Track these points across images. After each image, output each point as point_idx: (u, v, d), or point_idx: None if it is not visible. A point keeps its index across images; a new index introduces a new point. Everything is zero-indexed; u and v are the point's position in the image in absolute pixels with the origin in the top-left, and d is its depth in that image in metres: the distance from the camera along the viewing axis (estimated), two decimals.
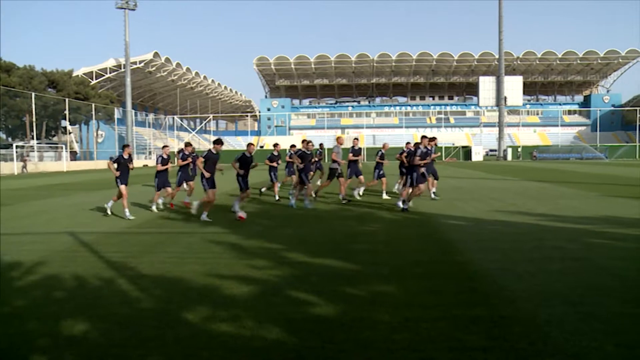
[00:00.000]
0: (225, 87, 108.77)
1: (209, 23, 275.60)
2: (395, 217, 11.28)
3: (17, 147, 46.78)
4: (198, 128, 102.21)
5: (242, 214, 10.98)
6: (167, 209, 13.30)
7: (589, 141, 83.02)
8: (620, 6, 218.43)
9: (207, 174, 11.06)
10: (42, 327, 4.44)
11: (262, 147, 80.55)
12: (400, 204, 12.42)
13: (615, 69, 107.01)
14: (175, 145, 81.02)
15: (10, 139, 58.59)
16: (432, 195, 15.05)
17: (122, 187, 11.79)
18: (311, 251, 7.53)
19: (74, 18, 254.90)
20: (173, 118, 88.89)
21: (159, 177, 13.21)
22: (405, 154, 13.47)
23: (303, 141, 14.17)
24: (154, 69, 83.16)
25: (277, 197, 15.29)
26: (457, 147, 71.56)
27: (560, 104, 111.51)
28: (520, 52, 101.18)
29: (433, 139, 14.79)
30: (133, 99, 77.80)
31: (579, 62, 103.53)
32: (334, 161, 14.39)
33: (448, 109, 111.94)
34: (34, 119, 50.88)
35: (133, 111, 72.41)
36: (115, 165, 11.98)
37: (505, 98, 69.03)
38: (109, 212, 12.18)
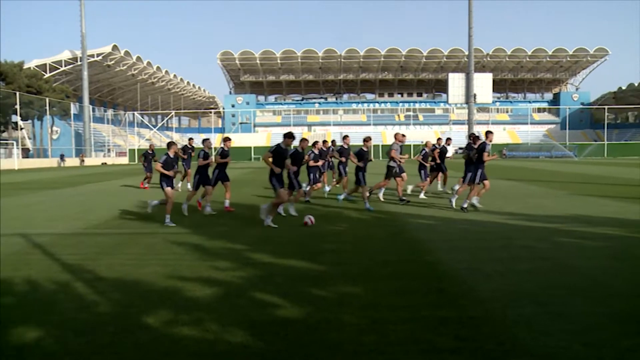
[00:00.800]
0: (188, 83, 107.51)
1: (170, 15, 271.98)
2: (363, 217, 11.34)
3: None
4: (160, 125, 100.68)
5: (308, 219, 10.23)
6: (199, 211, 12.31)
7: (558, 139, 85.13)
8: (589, 5, 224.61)
9: (277, 170, 10.39)
10: None
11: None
12: (455, 201, 12.45)
13: (584, 67, 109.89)
14: (136, 143, 79.70)
15: None
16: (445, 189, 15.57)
17: (168, 189, 10.68)
18: (276, 251, 7.51)
19: (24, 6, 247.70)
20: (133, 114, 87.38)
21: (200, 173, 11.98)
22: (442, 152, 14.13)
23: (345, 137, 14.47)
24: (112, 62, 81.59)
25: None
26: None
27: (529, 102, 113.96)
28: (490, 48, 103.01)
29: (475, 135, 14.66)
30: (91, 93, 76.15)
31: (548, 59, 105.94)
32: (392, 159, 14.29)
33: (417, 106, 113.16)
34: None
35: (90, 106, 70.92)
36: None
37: (475, 95, 70.17)
38: (168, 222, 10.43)
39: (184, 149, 18.79)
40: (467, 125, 71.69)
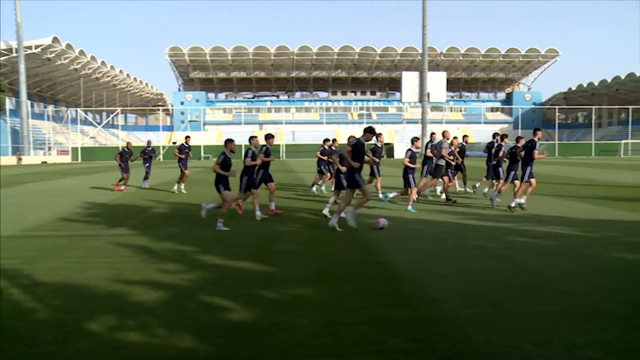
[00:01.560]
0: (135, 79, 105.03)
1: (115, 8, 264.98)
2: (316, 218, 11.38)
3: None
4: (105, 122, 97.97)
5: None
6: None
7: (511, 139, 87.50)
8: (541, 5, 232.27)
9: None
10: None
11: (174, 143, 78.44)
12: (509, 202, 12.24)
13: (536, 67, 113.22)
14: (79, 141, 77.34)
15: None
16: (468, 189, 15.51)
17: (227, 193, 9.99)
18: (227, 253, 7.46)
19: None
20: (76, 110, 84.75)
21: (248, 175, 11.08)
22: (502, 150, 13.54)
23: (379, 134, 13.09)
24: (53, 55, 78.75)
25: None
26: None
27: (483, 101, 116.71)
28: (444, 47, 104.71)
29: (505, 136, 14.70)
30: (29, 88, 73.21)
31: (501, 59, 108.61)
32: (442, 157, 14.16)
33: (370, 104, 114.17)
34: None
35: (29, 102, 68.34)
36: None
37: (429, 94, 71.20)
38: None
39: (180, 148, 17.51)
40: (420, 124, 72.74)
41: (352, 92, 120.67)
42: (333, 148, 16.19)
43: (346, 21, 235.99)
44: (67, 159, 69.53)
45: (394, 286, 5.73)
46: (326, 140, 16.65)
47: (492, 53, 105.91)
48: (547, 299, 5.19)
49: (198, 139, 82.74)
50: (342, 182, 10.70)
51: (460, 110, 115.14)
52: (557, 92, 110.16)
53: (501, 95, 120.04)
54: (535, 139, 12.16)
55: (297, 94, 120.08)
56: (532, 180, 12.20)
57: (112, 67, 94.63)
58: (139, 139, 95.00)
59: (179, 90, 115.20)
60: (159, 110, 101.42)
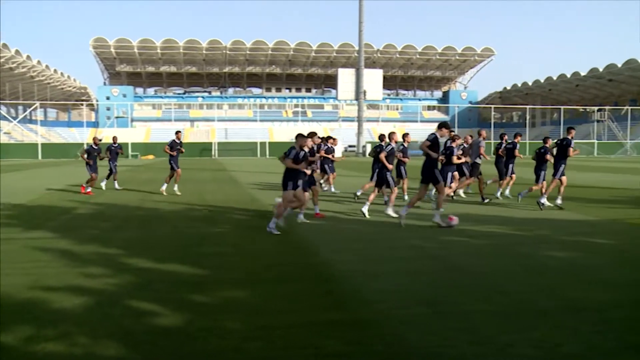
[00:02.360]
0: (55, 71, 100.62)
1: None
2: (247, 218, 11.33)
3: None
4: (21, 117, 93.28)
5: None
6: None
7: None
8: (476, 5, 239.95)
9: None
10: None
11: (100, 140, 75.91)
12: (544, 200, 12.43)
13: (472, 66, 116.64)
14: None
15: None
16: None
17: (300, 191, 9.67)
18: (154, 256, 7.30)
19: None
20: None
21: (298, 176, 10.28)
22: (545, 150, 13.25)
23: (406, 134, 13.11)
24: None
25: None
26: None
27: (420, 100, 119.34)
28: (381, 44, 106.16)
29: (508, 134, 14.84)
30: None
31: (438, 57, 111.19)
32: (480, 156, 14.00)
33: (305, 102, 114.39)
34: None
35: None
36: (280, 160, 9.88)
37: (365, 92, 71.92)
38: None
39: (172, 144, 16.18)
40: (356, 122, 73.57)
41: (286, 88, 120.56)
42: (333, 146, 16.16)
43: (281, 16, 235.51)
44: None
45: (328, 288, 5.78)
46: (329, 137, 16.38)
47: (429, 51, 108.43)
48: (481, 298, 5.38)
49: (125, 136, 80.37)
50: (387, 179, 11.52)
51: (397, 109, 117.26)
52: (493, 91, 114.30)
53: (438, 94, 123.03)
54: (569, 137, 12.70)
55: (230, 90, 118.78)
56: (564, 179, 12.75)
57: (28, 57, 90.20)
58: (60, 135, 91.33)
59: (105, 84, 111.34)
60: (82, 105, 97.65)
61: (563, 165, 12.68)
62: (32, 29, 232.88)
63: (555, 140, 13.32)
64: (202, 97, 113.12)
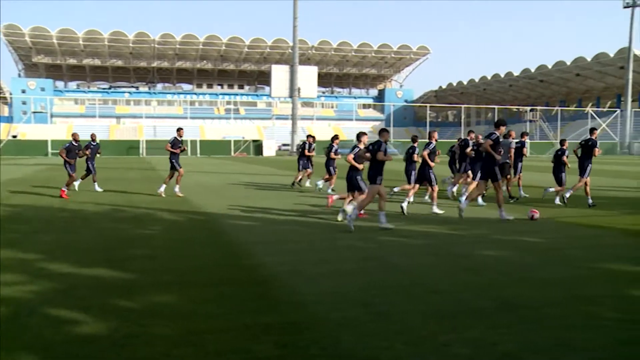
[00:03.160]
0: None
1: None
2: (178, 219, 11.14)
3: None
4: None
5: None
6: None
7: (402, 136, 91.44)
8: (412, 5, 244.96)
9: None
10: None
11: (15, 136, 72.57)
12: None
13: (408, 65, 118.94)
14: None
15: None
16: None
17: (371, 186, 10.06)
18: (77, 260, 7.06)
19: None
20: None
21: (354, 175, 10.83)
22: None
23: (434, 132, 13.11)
24: None
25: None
26: (247, 140, 72.87)
27: (355, 98, 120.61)
28: (316, 41, 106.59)
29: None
30: None
31: (373, 55, 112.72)
32: (510, 156, 13.95)
33: (238, 98, 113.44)
34: None
35: None
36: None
37: (299, 89, 71.91)
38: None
39: (174, 142, 15.43)
40: (291, 120, 73.56)
41: (218, 85, 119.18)
42: (334, 145, 16.12)
43: (213, 10, 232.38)
44: None
45: (261, 290, 5.77)
46: (335, 137, 16.33)
47: (365, 48, 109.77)
48: (418, 298, 5.50)
49: (44, 132, 77.14)
50: (429, 176, 12.04)
51: (332, 107, 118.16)
52: (429, 90, 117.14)
53: (373, 92, 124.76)
54: (594, 138, 13.44)
55: (159, 86, 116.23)
56: (588, 179, 13.29)
57: None
58: None
59: (20, 76, 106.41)
60: None
61: (590, 165, 13.36)
62: None
63: (579, 141, 14.07)
64: (129, 92, 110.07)
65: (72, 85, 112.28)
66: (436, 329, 4.58)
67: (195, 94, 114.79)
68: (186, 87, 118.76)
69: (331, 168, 16.19)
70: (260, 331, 4.48)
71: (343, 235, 9.22)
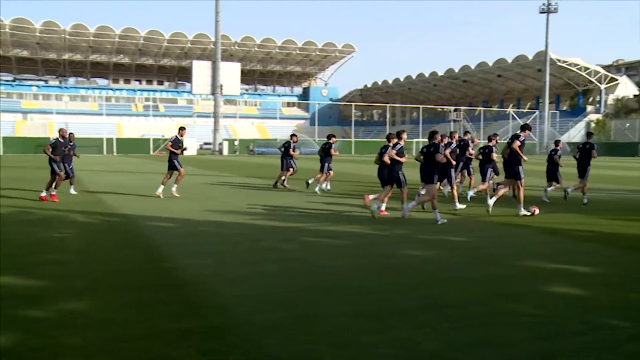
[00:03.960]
0: None
1: None
2: (91, 221, 10.78)
3: None
4: None
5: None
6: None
7: (308, 135, 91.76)
8: (338, 4, 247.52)
9: (524, 158, 12.02)
10: None
11: None
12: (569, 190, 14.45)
13: (333, 62, 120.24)
14: None
15: None
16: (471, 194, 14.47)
17: (431, 185, 11.11)
18: None
19: None
20: None
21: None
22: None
23: (454, 132, 14.54)
24: None
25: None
26: (167, 139, 71.43)
27: (279, 96, 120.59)
28: (239, 36, 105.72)
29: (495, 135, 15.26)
30: None
31: (298, 52, 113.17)
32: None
33: (157, 95, 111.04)
34: None
35: None
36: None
37: (222, 86, 71.24)
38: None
39: (175, 141, 14.94)
40: (213, 118, 72.70)
41: (136, 80, 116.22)
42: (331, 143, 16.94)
43: (129, 0, 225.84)
44: None
45: (181, 294, 5.66)
46: (331, 135, 17.45)
47: (289, 45, 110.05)
48: (342, 299, 5.53)
49: None
50: (401, 177, 11.91)
51: (256, 105, 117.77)
52: (354, 88, 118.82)
53: (298, 90, 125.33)
54: (591, 141, 14.57)
55: (71, 80, 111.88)
56: (586, 180, 14.33)
57: None
58: None
59: None
60: None
61: (589, 167, 14.39)
62: None
63: (577, 145, 15.22)
64: (37, 86, 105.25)
65: None
66: (361, 329, 4.62)
67: (111, 89, 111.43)
68: (101, 82, 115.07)
69: (326, 165, 16.88)
70: (181, 336, 4.38)
71: (266, 236, 9.19)
